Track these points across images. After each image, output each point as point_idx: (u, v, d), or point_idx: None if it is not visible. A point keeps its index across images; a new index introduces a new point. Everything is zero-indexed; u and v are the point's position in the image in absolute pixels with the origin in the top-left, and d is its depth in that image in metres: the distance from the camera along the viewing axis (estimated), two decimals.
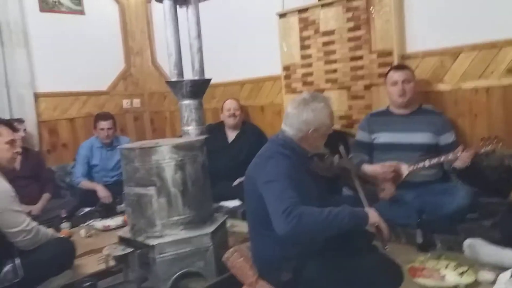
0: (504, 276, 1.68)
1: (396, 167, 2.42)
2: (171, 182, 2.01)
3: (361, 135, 2.73)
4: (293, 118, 1.74)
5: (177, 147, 2.02)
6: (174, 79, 2.27)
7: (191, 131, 2.28)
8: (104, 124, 3.68)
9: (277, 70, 3.49)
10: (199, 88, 2.30)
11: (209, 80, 2.34)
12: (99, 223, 3.12)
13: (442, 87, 2.75)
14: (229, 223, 2.57)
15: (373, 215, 1.62)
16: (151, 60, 4.70)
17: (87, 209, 3.41)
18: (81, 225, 3.10)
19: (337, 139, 2.87)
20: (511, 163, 2.39)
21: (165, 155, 2.00)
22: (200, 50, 2.30)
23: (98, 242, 2.74)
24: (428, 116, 2.55)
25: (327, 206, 1.58)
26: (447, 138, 2.48)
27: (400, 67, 2.62)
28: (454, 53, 2.68)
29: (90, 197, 3.47)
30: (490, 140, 2.18)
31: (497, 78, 2.53)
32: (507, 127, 2.52)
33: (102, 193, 3.48)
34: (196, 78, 2.29)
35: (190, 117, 2.27)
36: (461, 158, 2.21)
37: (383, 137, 2.62)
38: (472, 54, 2.61)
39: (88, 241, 2.83)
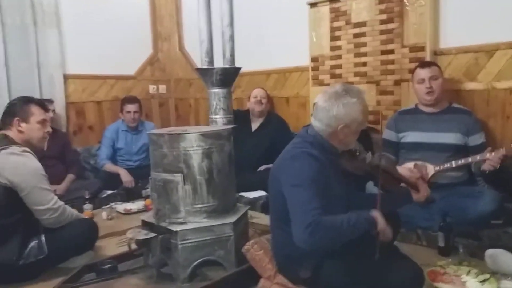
0: None
1: (422, 169, 2.36)
2: (198, 169, 2.02)
3: (388, 134, 2.68)
4: (322, 112, 1.65)
5: (205, 135, 2.02)
6: (204, 66, 2.27)
7: (219, 120, 2.28)
8: (130, 107, 3.73)
9: (305, 61, 3.45)
10: (229, 76, 2.29)
11: (239, 69, 2.33)
12: (121, 206, 3.18)
13: (474, 85, 2.66)
14: (248, 214, 2.55)
15: (380, 220, 1.57)
16: (179, 46, 4.71)
17: (109, 192, 3.48)
18: (103, 207, 3.17)
19: (362, 134, 2.87)
20: None
21: (193, 143, 2.01)
22: (232, 38, 2.28)
23: (119, 225, 2.80)
24: (458, 115, 2.47)
25: (352, 205, 1.56)
26: (477, 139, 2.42)
27: (427, 63, 2.55)
28: (490, 51, 2.58)
29: (113, 180, 3.54)
30: None
31: None
32: None
33: (125, 177, 3.55)
34: (227, 66, 2.28)
35: (218, 105, 2.27)
36: (490, 160, 2.15)
37: (410, 136, 2.56)
38: (510, 52, 2.51)
39: (109, 223, 2.89)
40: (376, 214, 1.59)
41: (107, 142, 3.75)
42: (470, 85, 2.67)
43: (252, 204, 2.92)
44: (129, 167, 3.69)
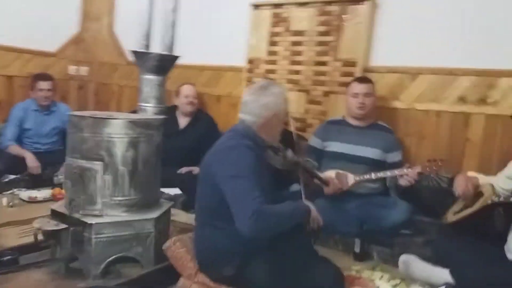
0: None
1: (343, 177, 2.49)
2: (121, 159, 1.89)
3: (314, 141, 2.76)
4: (252, 104, 1.71)
5: (134, 123, 1.90)
6: (141, 50, 2.14)
7: (149, 109, 2.16)
8: (43, 84, 3.41)
9: (241, 62, 3.42)
10: (166, 64, 2.19)
11: (177, 57, 2.23)
12: (24, 194, 2.91)
13: (397, 104, 2.84)
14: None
15: (313, 209, 1.70)
16: (108, 28, 4.42)
17: (12, 177, 3.15)
18: (3, 193, 2.89)
19: (290, 139, 2.94)
20: (448, 186, 2.53)
21: (119, 129, 1.87)
22: (173, 24, 2.18)
23: (21, 214, 2.56)
24: (381, 132, 2.63)
25: (274, 200, 1.60)
26: (394, 156, 2.59)
27: (364, 79, 2.67)
28: (414, 73, 2.78)
29: (17, 163, 3.20)
30: (436, 163, 2.29)
31: (449, 104, 2.67)
32: (450, 152, 2.67)
33: (31, 162, 3.22)
34: (165, 53, 2.17)
35: (150, 93, 2.15)
36: (408, 176, 2.31)
37: (334, 146, 2.66)
38: (431, 77, 2.73)
39: (10, 211, 2.65)
40: (308, 203, 1.72)
41: (14, 121, 3.38)
42: (394, 104, 2.86)
43: (173, 200, 2.80)
44: (37, 151, 3.36)
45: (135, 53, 2.15)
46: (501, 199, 1.89)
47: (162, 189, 2.89)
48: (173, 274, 1.78)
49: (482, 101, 2.58)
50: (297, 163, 1.92)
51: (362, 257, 2.21)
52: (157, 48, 2.20)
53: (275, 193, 1.84)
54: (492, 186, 2.06)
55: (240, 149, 1.62)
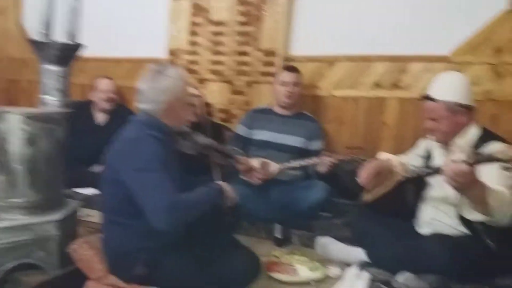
0: (351, 270, 1.81)
1: (267, 166, 2.49)
2: (17, 157, 1.72)
3: (240, 130, 2.74)
4: (149, 92, 1.60)
5: (31, 117, 1.74)
6: (40, 39, 1.96)
7: (52, 102, 1.98)
8: None
9: (162, 54, 3.30)
10: (68, 53, 2.01)
11: (80, 45, 2.07)
12: None
13: (317, 92, 2.89)
14: (84, 212, 2.35)
15: (225, 187, 1.68)
16: (15, 21, 4.07)
17: None
18: None
19: (216, 130, 2.89)
20: None
21: (13, 125, 1.71)
22: (76, 10, 2.01)
23: None
24: (305, 121, 2.66)
25: (188, 188, 1.56)
26: (316, 145, 2.64)
27: (294, 69, 2.66)
28: (331, 61, 2.84)
29: None
30: (353, 150, 2.36)
31: (365, 90, 2.76)
32: (367, 137, 2.76)
33: None
34: (67, 41, 2.01)
35: (52, 85, 1.97)
36: (325, 163, 2.36)
37: (260, 135, 2.66)
38: (347, 64, 2.80)
39: None
40: (220, 182, 1.69)
41: None
42: (314, 91, 2.90)
43: (89, 201, 2.64)
44: None
45: (33, 43, 1.97)
46: (413, 174, 1.95)
47: (77, 189, 2.77)
48: (80, 278, 1.66)
49: (395, 85, 2.69)
50: (209, 146, 1.90)
51: (283, 242, 2.21)
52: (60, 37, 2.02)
53: (190, 181, 1.78)
54: (404, 164, 2.16)
55: (144, 140, 1.53)
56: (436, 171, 1.66)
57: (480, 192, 1.44)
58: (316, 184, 2.46)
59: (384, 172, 2.11)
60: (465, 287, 1.60)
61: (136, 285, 1.59)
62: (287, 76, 2.62)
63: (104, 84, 3.22)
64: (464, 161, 1.38)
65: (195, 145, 1.87)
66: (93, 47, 3.39)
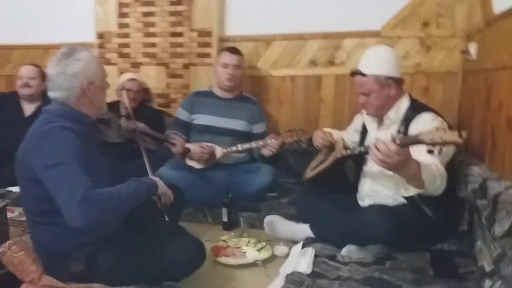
0: (297, 248, 1.82)
1: (211, 149, 2.44)
2: None
3: (181, 114, 2.64)
4: (58, 78, 1.46)
5: None
6: None
7: None
8: None
9: (91, 37, 3.11)
10: None
11: None
12: None
13: (255, 72, 2.86)
14: (17, 211, 2.20)
15: (160, 184, 1.59)
16: None
17: None
18: None
19: (155, 118, 2.79)
20: (307, 146, 2.65)
21: None
22: None
23: None
24: (246, 104, 2.62)
25: (120, 178, 1.49)
26: (259, 128, 2.61)
27: (235, 51, 2.58)
28: (268, 41, 2.82)
29: None
30: (296, 132, 2.36)
31: (301, 68, 2.77)
32: (306, 113, 2.80)
33: None
34: None
35: None
36: (269, 146, 2.34)
37: (202, 119, 2.59)
38: (283, 43, 2.79)
39: None
40: (156, 178, 1.59)
41: None
42: (251, 72, 2.86)
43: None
44: None
45: None
46: (349, 152, 2.00)
47: (12, 188, 2.57)
48: (14, 282, 1.54)
49: (331, 62, 2.73)
50: (134, 130, 1.79)
51: (230, 225, 2.20)
52: None
53: (123, 169, 1.72)
54: (343, 139, 2.20)
55: (56, 133, 1.39)
56: (367, 151, 1.70)
57: (412, 169, 1.46)
58: (261, 168, 2.45)
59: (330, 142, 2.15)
60: (406, 254, 1.65)
61: (74, 283, 1.51)
62: (228, 58, 2.54)
63: (22, 71, 2.95)
64: (393, 142, 1.39)
65: (120, 131, 1.75)
66: (17, 34, 3.19)
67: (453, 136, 1.29)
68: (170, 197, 1.62)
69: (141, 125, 1.89)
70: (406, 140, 1.40)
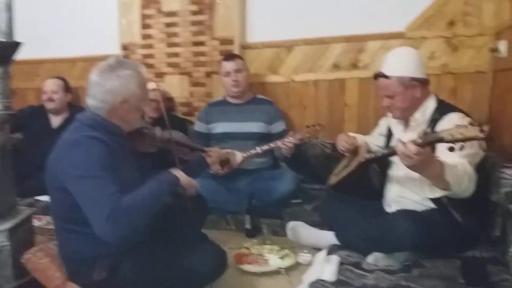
0: (321, 254, 1.78)
1: (231, 156, 2.42)
2: None
3: (199, 126, 2.68)
4: (96, 88, 1.47)
5: None
6: None
7: None
8: None
9: (115, 49, 3.17)
10: (5, 52, 1.88)
11: (18, 43, 1.93)
12: None
13: (277, 79, 2.85)
14: (44, 220, 2.26)
15: (180, 174, 1.56)
16: None
17: None
18: None
19: (179, 126, 2.81)
20: (331, 151, 2.59)
21: None
22: (9, 7, 1.87)
23: None
24: (261, 105, 2.61)
25: None
26: (278, 126, 2.59)
27: (231, 56, 2.60)
28: (289, 46, 2.80)
29: None
30: (314, 127, 2.32)
31: (324, 72, 2.74)
32: (330, 117, 2.75)
33: None
34: (2, 39, 1.87)
35: None
36: (288, 143, 2.30)
37: (219, 127, 2.60)
38: (305, 48, 2.77)
39: None
40: (175, 171, 1.56)
41: None
42: (273, 78, 2.85)
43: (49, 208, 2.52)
44: None
45: None
46: (373, 155, 1.94)
47: (40, 197, 2.64)
48: None
49: (354, 65, 2.68)
50: (169, 140, 1.77)
51: (253, 233, 2.17)
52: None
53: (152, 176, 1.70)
54: (366, 143, 2.14)
55: (84, 143, 1.40)
56: (392, 152, 1.65)
57: (436, 170, 1.42)
58: (285, 174, 2.43)
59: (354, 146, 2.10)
60: (435, 262, 1.58)
61: None
62: (227, 66, 2.56)
63: (46, 85, 3.05)
64: (413, 142, 1.36)
65: (155, 141, 1.74)
66: (45, 48, 3.31)
67: (474, 131, 1.24)
68: (195, 186, 1.60)
69: (176, 135, 1.88)
70: (426, 139, 1.35)
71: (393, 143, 1.91)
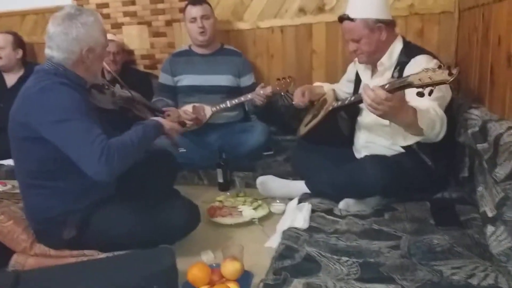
0: (293, 203, 1.79)
1: (200, 110, 2.35)
2: None
3: (164, 78, 2.55)
4: (59, 38, 1.40)
5: None
6: None
7: None
8: None
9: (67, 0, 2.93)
10: None
11: None
12: None
13: (242, 25, 2.72)
14: (9, 184, 2.18)
15: (164, 121, 1.60)
16: None
17: None
18: None
19: (142, 81, 2.68)
20: None
21: None
22: None
23: None
24: (229, 57, 2.50)
25: None
26: (247, 80, 2.51)
27: (198, 1, 2.42)
28: None
29: None
30: (285, 80, 2.26)
31: (290, 17, 2.62)
32: (298, 67, 2.69)
33: None
34: None
35: None
36: (258, 97, 2.26)
37: (186, 80, 2.49)
38: None
39: None
40: (158, 118, 1.62)
41: None
42: (238, 25, 2.72)
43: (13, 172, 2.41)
44: None
45: None
46: (340, 103, 1.91)
47: (1, 162, 2.52)
48: (5, 252, 1.52)
49: (320, 9, 2.58)
50: (130, 98, 1.72)
51: (226, 186, 2.16)
52: None
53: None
54: (334, 91, 2.11)
55: (55, 88, 1.36)
56: (360, 100, 1.61)
57: (408, 116, 1.38)
58: (255, 127, 2.38)
59: (315, 96, 2.07)
60: (406, 205, 1.61)
61: (67, 250, 1.50)
62: (193, 11, 2.37)
63: None
64: (381, 87, 1.32)
65: (114, 99, 1.68)
66: None
67: (442, 75, 1.21)
68: (178, 130, 1.64)
69: (136, 95, 1.83)
70: (394, 85, 1.32)
71: (361, 89, 1.89)
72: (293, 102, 2.06)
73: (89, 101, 1.54)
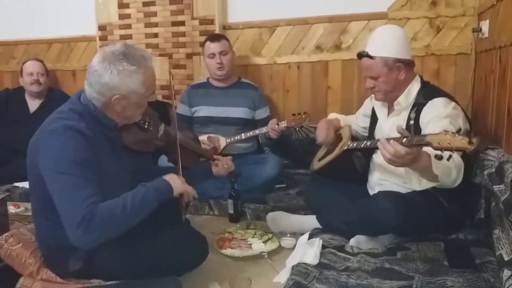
0: (303, 238, 1.75)
1: (214, 141, 2.40)
2: None
3: (181, 109, 2.61)
4: (93, 76, 1.34)
5: None
6: None
7: None
8: None
9: (92, 30, 3.06)
10: None
11: None
12: None
13: (260, 60, 2.79)
14: (22, 207, 2.23)
15: (176, 183, 1.43)
16: None
17: None
18: None
19: (160, 110, 2.72)
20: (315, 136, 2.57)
21: None
22: None
23: None
24: (246, 90, 2.55)
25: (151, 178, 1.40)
26: (262, 113, 2.55)
27: (216, 37, 2.51)
28: (272, 27, 2.73)
29: None
30: (300, 116, 2.30)
31: (307, 54, 2.69)
32: (313, 102, 2.72)
33: None
34: None
35: None
36: (273, 132, 2.30)
37: (202, 111, 2.55)
38: (287, 29, 2.70)
39: None
40: (170, 177, 1.42)
41: None
42: (256, 60, 2.79)
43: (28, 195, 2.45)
44: None
45: None
46: (356, 145, 1.90)
47: (18, 184, 2.57)
48: (12, 276, 1.51)
49: (337, 47, 2.64)
50: (174, 142, 1.61)
51: (237, 218, 2.14)
52: None
53: (145, 172, 1.61)
54: (350, 127, 2.12)
55: (65, 136, 1.29)
56: (375, 146, 1.61)
57: (423, 163, 1.38)
58: (269, 159, 2.41)
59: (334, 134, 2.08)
60: (419, 244, 1.57)
61: (73, 279, 1.48)
62: (211, 47, 2.46)
63: (30, 67, 2.96)
64: (398, 141, 1.33)
65: (154, 139, 1.59)
66: (20, 29, 3.17)
67: (462, 141, 1.19)
68: (193, 194, 1.48)
69: (185, 135, 1.72)
70: (411, 141, 1.32)
71: (378, 128, 1.90)
72: (318, 142, 2.08)
73: (116, 141, 1.49)
